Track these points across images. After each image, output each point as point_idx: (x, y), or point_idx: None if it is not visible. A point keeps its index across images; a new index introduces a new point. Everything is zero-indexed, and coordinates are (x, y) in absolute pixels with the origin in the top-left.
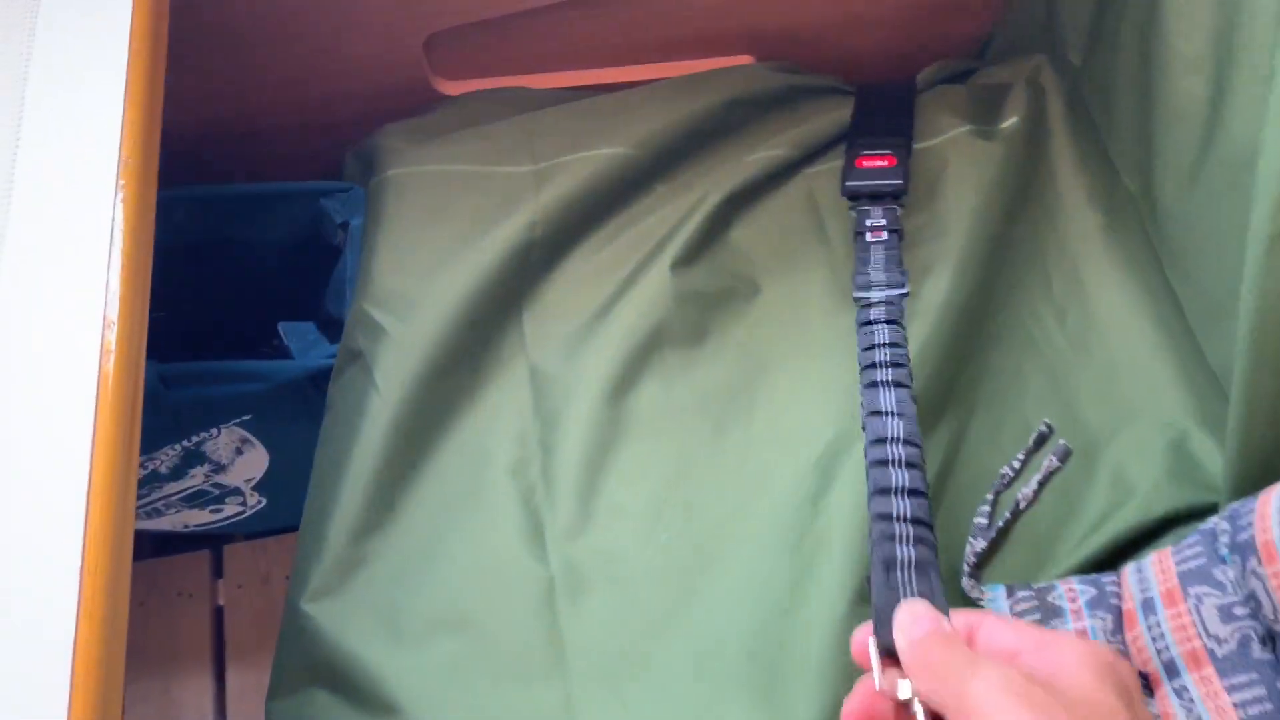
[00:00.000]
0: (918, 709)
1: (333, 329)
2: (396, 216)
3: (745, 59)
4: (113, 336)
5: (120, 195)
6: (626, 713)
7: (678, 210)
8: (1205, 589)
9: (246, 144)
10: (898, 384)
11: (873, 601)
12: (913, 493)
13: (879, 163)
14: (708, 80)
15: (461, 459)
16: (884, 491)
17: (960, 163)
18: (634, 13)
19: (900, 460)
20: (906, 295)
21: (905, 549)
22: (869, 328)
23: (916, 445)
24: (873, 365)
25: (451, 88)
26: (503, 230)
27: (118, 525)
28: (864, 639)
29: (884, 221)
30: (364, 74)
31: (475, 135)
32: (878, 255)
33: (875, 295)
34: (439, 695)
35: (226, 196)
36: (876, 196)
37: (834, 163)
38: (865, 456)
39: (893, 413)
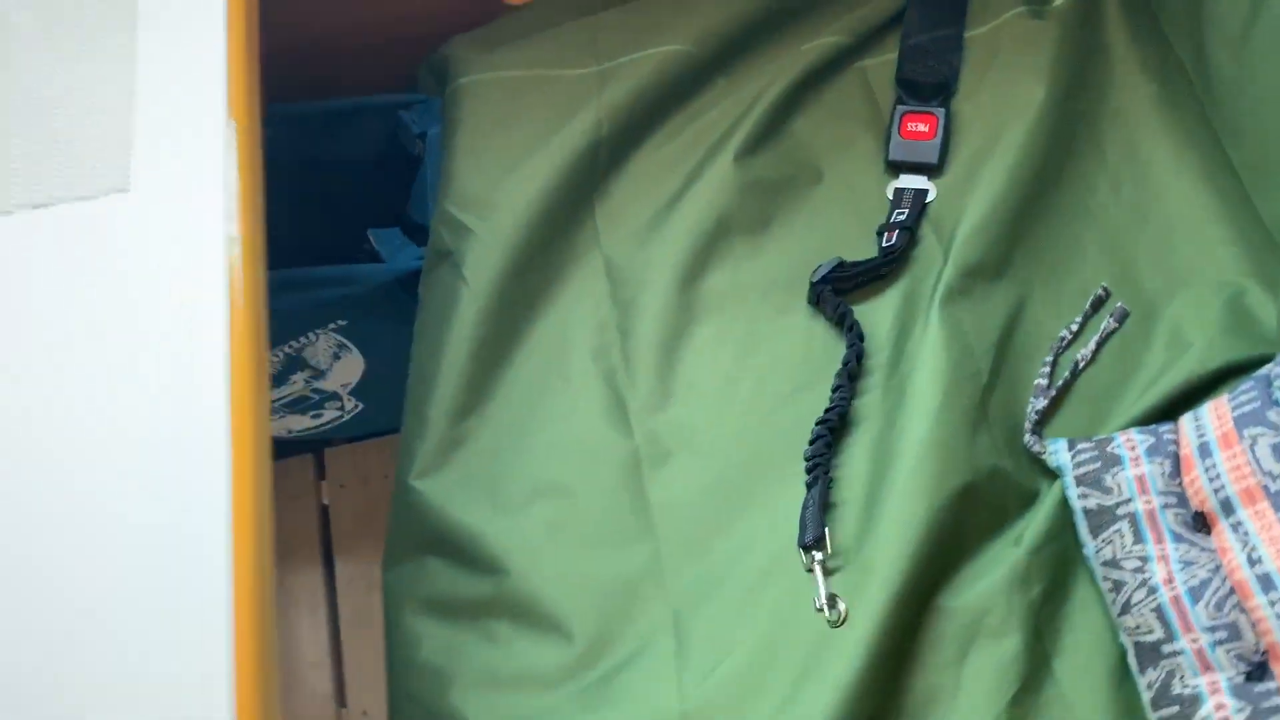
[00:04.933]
0: None
1: (417, 234)
2: (471, 122)
3: None
4: (238, 252)
5: (230, 116)
6: (712, 566)
7: (739, 103)
8: (1260, 430)
9: (328, 63)
10: None
11: None
12: None
13: (920, 125)
14: None
15: (547, 345)
16: None
17: (1013, 47)
18: None
19: None
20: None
21: None
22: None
23: None
24: None
25: None
26: (571, 131)
27: (258, 428)
28: None
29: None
30: None
31: (540, 40)
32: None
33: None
34: (539, 556)
35: (312, 113)
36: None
37: (888, 55)
38: None
39: None
